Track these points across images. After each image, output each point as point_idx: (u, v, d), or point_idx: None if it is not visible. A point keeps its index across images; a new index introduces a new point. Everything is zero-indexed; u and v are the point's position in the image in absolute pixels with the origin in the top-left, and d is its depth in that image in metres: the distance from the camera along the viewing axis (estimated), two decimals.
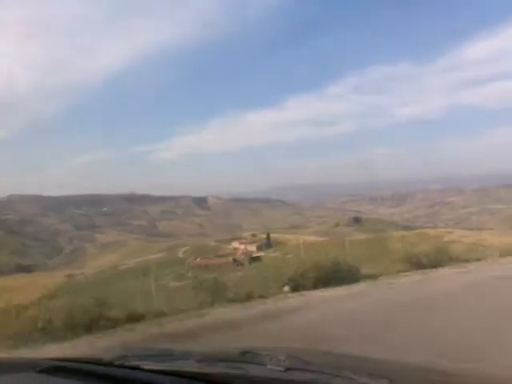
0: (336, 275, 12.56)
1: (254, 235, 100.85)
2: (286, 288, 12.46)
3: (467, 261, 16.94)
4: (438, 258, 15.93)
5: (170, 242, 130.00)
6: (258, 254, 72.16)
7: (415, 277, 13.75)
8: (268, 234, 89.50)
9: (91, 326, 8.75)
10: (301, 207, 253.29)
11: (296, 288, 12.31)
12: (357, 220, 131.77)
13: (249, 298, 11.33)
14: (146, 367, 1.78)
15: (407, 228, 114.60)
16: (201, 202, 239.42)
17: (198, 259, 70.61)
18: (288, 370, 1.69)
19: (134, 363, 1.85)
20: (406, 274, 14.44)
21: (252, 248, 78.92)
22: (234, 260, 63.84)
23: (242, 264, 60.38)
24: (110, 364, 1.88)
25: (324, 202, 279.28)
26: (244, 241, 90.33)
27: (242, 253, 72.34)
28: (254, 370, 1.73)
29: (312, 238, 71.00)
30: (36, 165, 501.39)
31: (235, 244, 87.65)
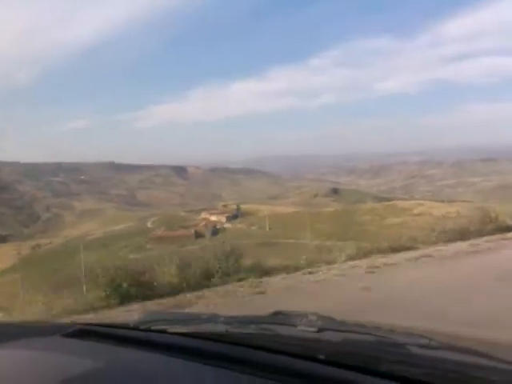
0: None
1: (225, 206, 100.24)
2: None
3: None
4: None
5: (147, 212, 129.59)
6: (224, 226, 72.17)
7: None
8: (238, 205, 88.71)
9: None
10: (281, 178, 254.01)
11: None
12: (335, 191, 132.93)
13: None
14: (172, 330, 1.71)
15: (383, 199, 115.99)
16: (180, 171, 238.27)
17: (161, 231, 70.39)
18: (320, 330, 1.58)
19: (160, 327, 1.79)
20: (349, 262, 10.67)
21: (222, 219, 78.64)
22: (196, 232, 63.60)
23: (202, 236, 60.19)
24: (136, 328, 1.84)
25: (304, 173, 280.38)
26: (214, 211, 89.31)
27: (205, 224, 72.09)
28: (285, 331, 1.64)
29: (283, 209, 70.50)
30: (13, 132, 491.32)
31: (205, 215, 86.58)
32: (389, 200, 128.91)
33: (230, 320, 1.98)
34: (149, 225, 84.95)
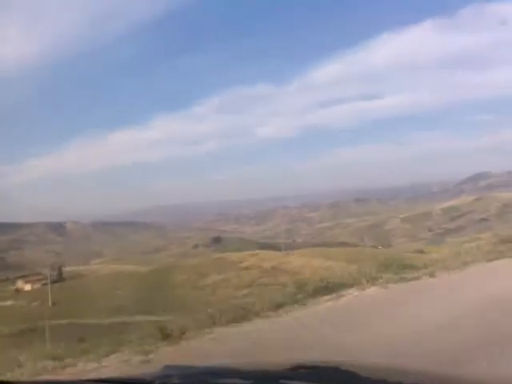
0: None
1: (39, 273, 79.74)
2: None
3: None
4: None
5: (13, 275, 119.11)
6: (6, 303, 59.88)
7: None
8: (60, 267, 77.19)
9: None
10: (166, 229, 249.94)
11: None
12: (216, 240, 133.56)
13: None
14: None
15: (265, 246, 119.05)
16: (58, 227, 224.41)
17: None
18: None
19: (177, 382, 1.74)
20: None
21: (38, 286, 66.64)
22: None
23: None
24: (151, 383, 1.76)
25: (190, 222, 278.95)
26: (34, 278, 73.87)
27: None
28: None
29: (126, 268, 62.32)
30: None
31: (21, 283, 71.78)
32: (271, 246, 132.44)
33: (250, 374, 1.88)
34: None
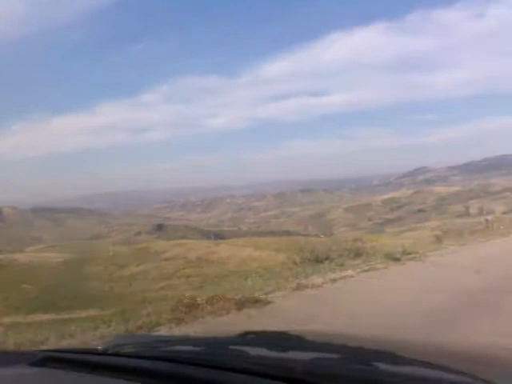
0: None
1: None
2: None
3: None
4: None
5: None
6: None
7: None
8: None
9: None
10: (110, 216, 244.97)
11: None
12: (159, 227, 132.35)
13: None
14: (141, 354, 1.63)
15: (206, 233, 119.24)
16: None
17: None
18: (288, 349, 1.52)
19: (130, 351, 1.73)
20: None
21: None
22: None
23: None
24: (104, 353, 1.74)
25: (136, 210, 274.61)
26: None
27: None
28: (254, 352, 1.56)
29: (48, 257, 56.55)
30: None
31: None
32: (215, 234, 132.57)
33: (201, 342, 1.98)
34: None
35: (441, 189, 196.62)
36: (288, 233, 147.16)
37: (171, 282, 27.18)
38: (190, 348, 1.74)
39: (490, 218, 43.98)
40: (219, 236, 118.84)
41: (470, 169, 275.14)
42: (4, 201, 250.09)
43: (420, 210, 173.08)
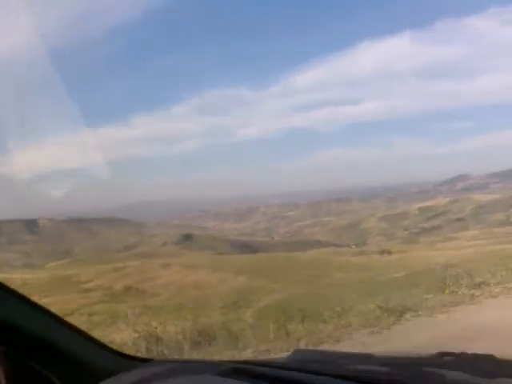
0: None
1: None
2: None
3: None
4: None
5: None
6: None
7: None
8: None
9: None
10: (145, 226, 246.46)
11: None
12: (187, 237, 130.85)
13: None
14: (325, 371, 1.56)
15: (234, 243, 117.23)
16: (31, 225, 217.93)
17: None
18: (495, 377, 1.35)
19: (313, 366, 1.67)
20: None
21: None
22: None
23: None
24: (286, 367, 1.72)
25: (171, 220, 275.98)
26: None
27: None
28: (450, 375, 1.39)
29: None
30: None
31: None
32: (244, 244, 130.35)
33: (389, 360, 1.79)
34: None
35: (480, 197, 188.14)
36: (319, 243, 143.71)
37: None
38: (376, 367, 1.60)
39: None
40: (250, 247, 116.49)
41: None
42: (41, 212, 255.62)
43: (458, 219, 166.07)
